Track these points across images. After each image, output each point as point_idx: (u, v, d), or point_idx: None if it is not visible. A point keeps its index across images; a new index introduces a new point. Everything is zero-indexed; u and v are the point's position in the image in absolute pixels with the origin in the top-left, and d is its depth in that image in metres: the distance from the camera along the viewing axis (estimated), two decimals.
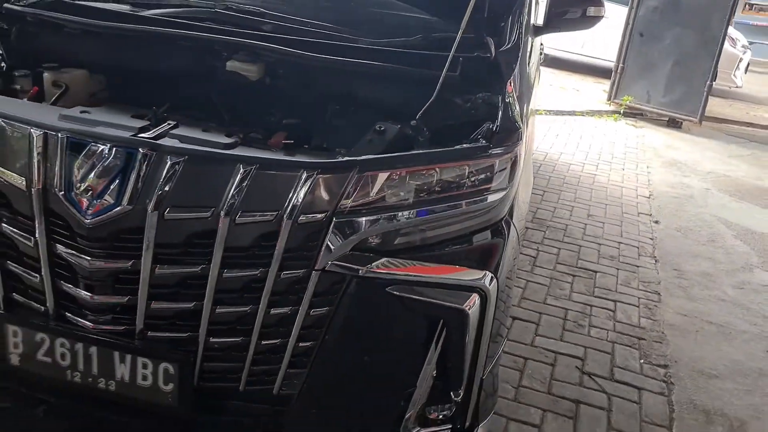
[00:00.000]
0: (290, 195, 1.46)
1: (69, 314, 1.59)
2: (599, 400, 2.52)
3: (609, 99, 8.52)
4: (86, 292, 1.55)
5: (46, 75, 1.98)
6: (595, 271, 3.69)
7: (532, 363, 2.70)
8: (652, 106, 8.24)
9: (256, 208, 1.47)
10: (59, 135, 1.48)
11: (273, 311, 1.53)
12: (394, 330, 1.61)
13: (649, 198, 5.26)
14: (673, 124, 8.16)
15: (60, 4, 2.04)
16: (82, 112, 1.68)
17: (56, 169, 1.48)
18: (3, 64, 2.02)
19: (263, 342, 1.55)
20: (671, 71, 7.97)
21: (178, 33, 1.90)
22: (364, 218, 1.51)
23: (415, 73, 1.88)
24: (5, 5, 2.07)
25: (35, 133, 1.49)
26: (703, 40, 7.78)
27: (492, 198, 1.65)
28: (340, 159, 1.55)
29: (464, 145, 1.63)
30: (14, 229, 1.57)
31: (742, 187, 6.02)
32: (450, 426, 1.76)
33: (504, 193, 1.68)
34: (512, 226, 1.77)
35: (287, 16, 2.11)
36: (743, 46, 10.84)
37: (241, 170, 1.45)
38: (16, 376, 1.67)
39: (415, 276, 1.56)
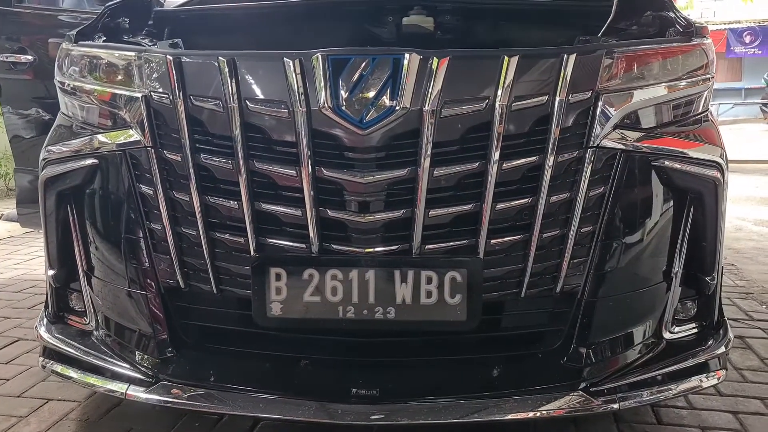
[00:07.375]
0: (558, 77, 1.48)
1: (335, 245, 1.51)
2: (757, 333, 2.55)
3: None
4: (359, 213, 1.49)
5: None
6: None
7: None
8: None
9: (526, 93, 1.48)
10: (319, 55, 1.46)
11: (553, 198, 1.50)
12: (660, 207, 1.61)
13: None
14: None
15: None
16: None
17: (321, 87, 1.45)
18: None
19: (544, 234, 1.52)
20: None
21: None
22: (622, 95, 1.55)
23: (574, 6, 2.03)
24: (156, 9, 2.10)
25: (288, 60, 1.47)
26: None
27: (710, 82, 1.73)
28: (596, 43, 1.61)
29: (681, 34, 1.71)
30: (266, 166, 1.51)
31: None
32: (695, 324, 1.75)
33: (714, 78, 1.76)
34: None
35: None
36: None
37: (507, 60, 1.47)
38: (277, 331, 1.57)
39: (673, 150, 1.59)
